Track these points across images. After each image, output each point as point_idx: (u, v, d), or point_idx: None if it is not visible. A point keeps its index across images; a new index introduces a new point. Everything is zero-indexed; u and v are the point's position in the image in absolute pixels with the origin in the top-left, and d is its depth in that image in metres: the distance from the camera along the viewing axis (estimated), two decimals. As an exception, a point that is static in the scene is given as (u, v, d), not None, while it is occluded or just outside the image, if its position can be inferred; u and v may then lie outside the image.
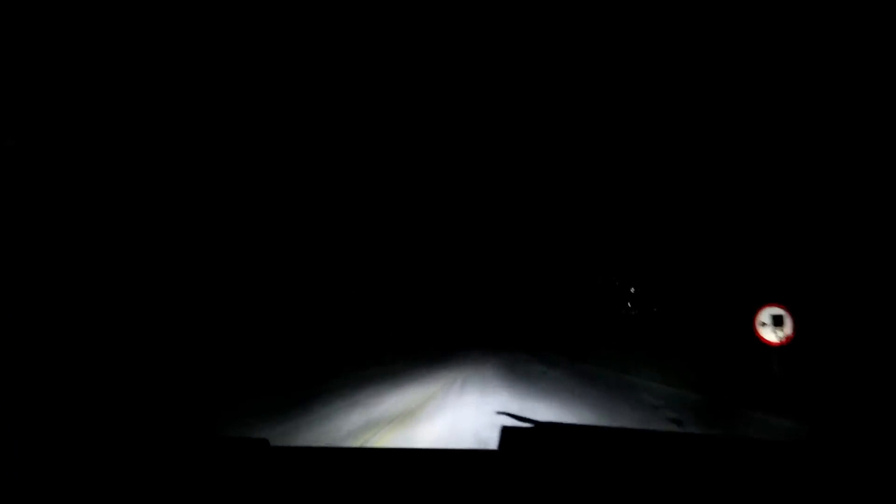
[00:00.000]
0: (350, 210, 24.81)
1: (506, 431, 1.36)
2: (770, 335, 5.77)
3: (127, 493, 1.16)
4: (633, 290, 28.23)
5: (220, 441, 1.49)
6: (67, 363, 8.14)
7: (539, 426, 1.50)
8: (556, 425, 1.56)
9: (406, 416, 6.31)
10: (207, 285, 15.14)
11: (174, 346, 11.77)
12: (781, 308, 5.74)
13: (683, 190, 17.53)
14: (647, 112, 19.37)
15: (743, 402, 6.72)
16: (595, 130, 24.23)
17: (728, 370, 8.99)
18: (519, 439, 1.37)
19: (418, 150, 33.59)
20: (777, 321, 5.71)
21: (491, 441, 4.37)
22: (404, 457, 1.50)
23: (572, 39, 23.49)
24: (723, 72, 14.84)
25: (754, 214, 13.14)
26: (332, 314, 20.57)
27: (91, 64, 12.22)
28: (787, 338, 5.70)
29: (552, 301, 37.58)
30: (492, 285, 51.40)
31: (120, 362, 9.29)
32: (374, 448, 1.69)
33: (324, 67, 21.54)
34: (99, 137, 12.45)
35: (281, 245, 18.97)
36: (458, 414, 6.38)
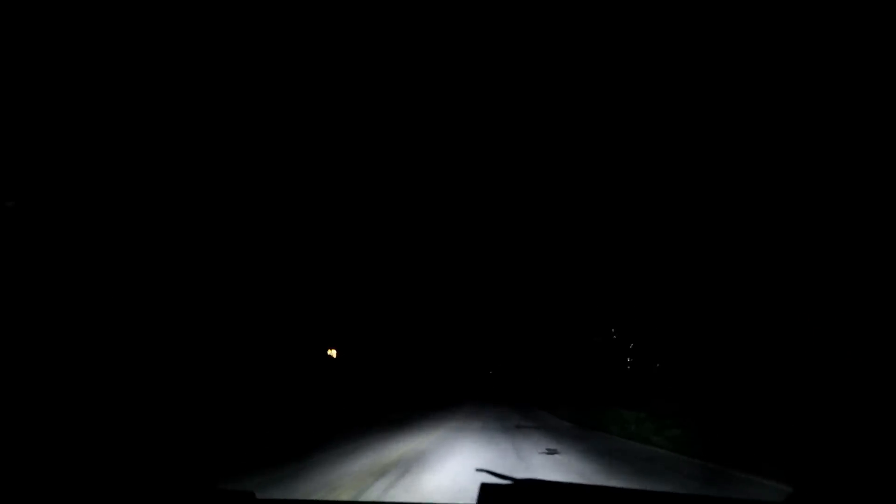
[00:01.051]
0: (362, 278, 25.45)
1: (485, 488, 1.40)
2: None
3: None
4: (631, 345, 26.68)
5: (205, 494, 1.49)
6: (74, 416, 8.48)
7: (517, 483, 1.84)
8: (534, 482, 1.99)
9: (406, 466, 6.66)
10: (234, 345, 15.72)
11: (183, 399, 12.03)
12: None
13: (679, 238, 16.90)
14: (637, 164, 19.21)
15: (742, 466, 6.72)
16: (589, 180, 23.95)
17: (728, 432, 8.72)
18: (498, 496, 1.46)
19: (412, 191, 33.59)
20: None
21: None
22: None
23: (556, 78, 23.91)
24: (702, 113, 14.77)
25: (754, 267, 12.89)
26: (341, 377, 20.26)
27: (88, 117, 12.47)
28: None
29: (549, 361, 35.42)
30: (490, 344, 49.66)
31: (122, 411, 9.66)
32: (361, 502, 1.83)
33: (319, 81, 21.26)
34: (97, 199, 12.58)
35: (298, 309, 19.54)
36: (457, 465, 6.71)
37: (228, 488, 1.48)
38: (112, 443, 7.68)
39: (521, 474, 7.75)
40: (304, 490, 4.98)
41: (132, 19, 13.10)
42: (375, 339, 29.36)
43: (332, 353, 21.10)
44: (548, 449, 8.40)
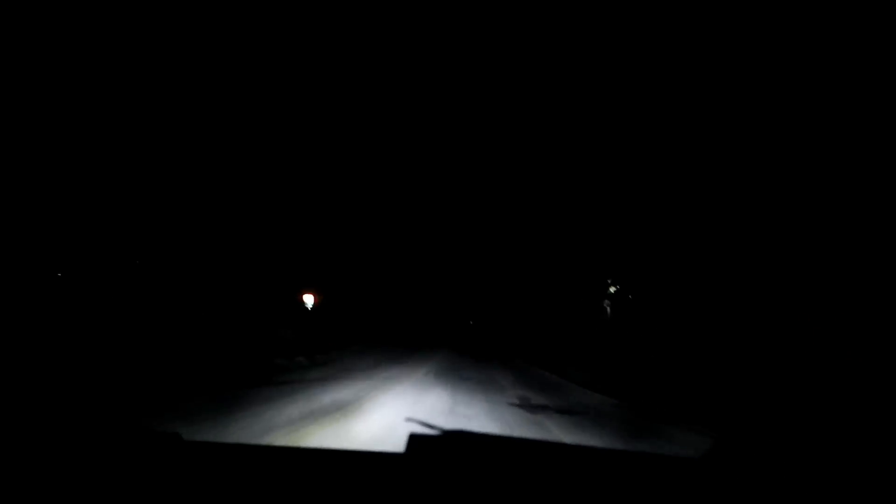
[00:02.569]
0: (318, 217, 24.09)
1: (413, 438, 1.54)
2: None
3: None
4: (630, 296, 25.33)
5: (127, 434, 1.42)
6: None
7: (445, 433, 1.65)
8: (461, 433, 1.78)
9: (345, 410, 6.27)
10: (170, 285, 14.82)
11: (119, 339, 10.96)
12: None
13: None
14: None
15: (665, 415, 7.35)
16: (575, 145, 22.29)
17: (658, 382, 9.60)
18: (424, 445, 1.53)
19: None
20: None
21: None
22: (311, 456, 1.54)
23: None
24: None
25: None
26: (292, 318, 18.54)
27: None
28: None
29: (539, 312, 33.91)
30: (471, 292, 48.19)
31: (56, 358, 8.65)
32: (280, 447, 1.68)
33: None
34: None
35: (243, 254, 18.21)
36: (394, 410, 6.39)
37: (154, 428, 1.33)
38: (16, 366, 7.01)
39: (463, 391, 7.97)
40: (304, 407, 4.66)
41: (132, 19, 13.14)
42: (349, 285, 27.38)
43: (308, 297, 18.73)
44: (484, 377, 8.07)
